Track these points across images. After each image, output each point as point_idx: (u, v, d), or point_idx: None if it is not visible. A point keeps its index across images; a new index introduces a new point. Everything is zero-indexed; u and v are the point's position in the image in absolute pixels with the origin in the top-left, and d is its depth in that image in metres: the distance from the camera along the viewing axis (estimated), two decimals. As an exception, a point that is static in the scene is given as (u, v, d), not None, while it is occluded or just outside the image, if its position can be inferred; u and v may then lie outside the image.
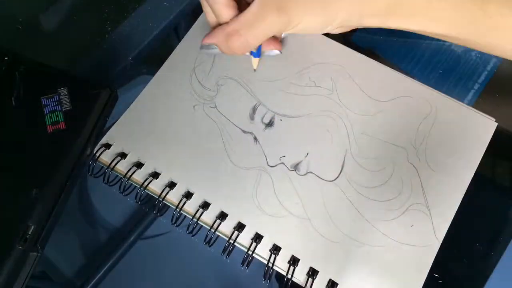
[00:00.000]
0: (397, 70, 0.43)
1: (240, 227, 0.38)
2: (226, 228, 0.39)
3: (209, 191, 0.40)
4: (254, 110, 0.43)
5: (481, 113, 0.41)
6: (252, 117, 0.42)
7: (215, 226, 0.38)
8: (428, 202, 0.38)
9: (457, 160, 0.39)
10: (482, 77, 0.45)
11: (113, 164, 0.41)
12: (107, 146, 0.42)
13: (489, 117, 0.41)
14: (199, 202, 0.40)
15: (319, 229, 0.38)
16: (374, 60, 0.44)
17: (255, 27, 0.36)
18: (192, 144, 0.42)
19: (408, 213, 0.38)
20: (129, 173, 0.40)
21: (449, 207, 0.38)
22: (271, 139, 0.41)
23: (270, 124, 0.42)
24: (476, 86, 0.45)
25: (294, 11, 0.35)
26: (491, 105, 0.43)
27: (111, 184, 0.41)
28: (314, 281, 0.36)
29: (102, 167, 0.42)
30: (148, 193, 0.41)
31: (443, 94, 0.42)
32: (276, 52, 0.42)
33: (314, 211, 0.39)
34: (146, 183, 0.40)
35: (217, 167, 0.41)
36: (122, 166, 0.41)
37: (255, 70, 0.41)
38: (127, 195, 0.41)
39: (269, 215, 0.39)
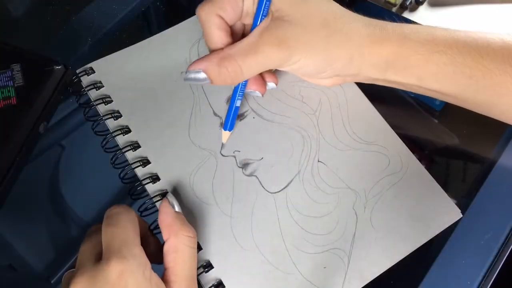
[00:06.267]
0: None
1: (163, 195, 0.37)
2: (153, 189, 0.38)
3: (162, 159, 0.39)
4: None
5: (450, 198, 0.38)
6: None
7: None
8: (352, 254, 0.35)
9: (402, 229, 0.36)
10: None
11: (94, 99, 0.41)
12: (89, 73, 0.42)
13: (456, 207, 0.38)
14: (152, 172, 0.39)
15: (235, 230, 0.36)
16: (368, 101, 0.42)
17: (251, 56, 0.33)
18: (164, 107, 0.41)
19: (327, 254, 0.35)
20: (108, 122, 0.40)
21: (371, 269, 0.34)
22: (235, 131, 0.40)
23: (242, 117, 0.41)
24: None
25: (295, 47, 0.32)
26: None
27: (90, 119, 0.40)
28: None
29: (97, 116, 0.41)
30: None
31: (420, 162, 0.39)
32: (273, 85, 0.39)
33: (239, 213, 0.37)
34: (115, 134, 0.40)
35: (175, 134, 0.40)
36: (102, 109, 0.41)
37: (223, 143, 0.40)
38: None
39: (197, 197, 0.37)
